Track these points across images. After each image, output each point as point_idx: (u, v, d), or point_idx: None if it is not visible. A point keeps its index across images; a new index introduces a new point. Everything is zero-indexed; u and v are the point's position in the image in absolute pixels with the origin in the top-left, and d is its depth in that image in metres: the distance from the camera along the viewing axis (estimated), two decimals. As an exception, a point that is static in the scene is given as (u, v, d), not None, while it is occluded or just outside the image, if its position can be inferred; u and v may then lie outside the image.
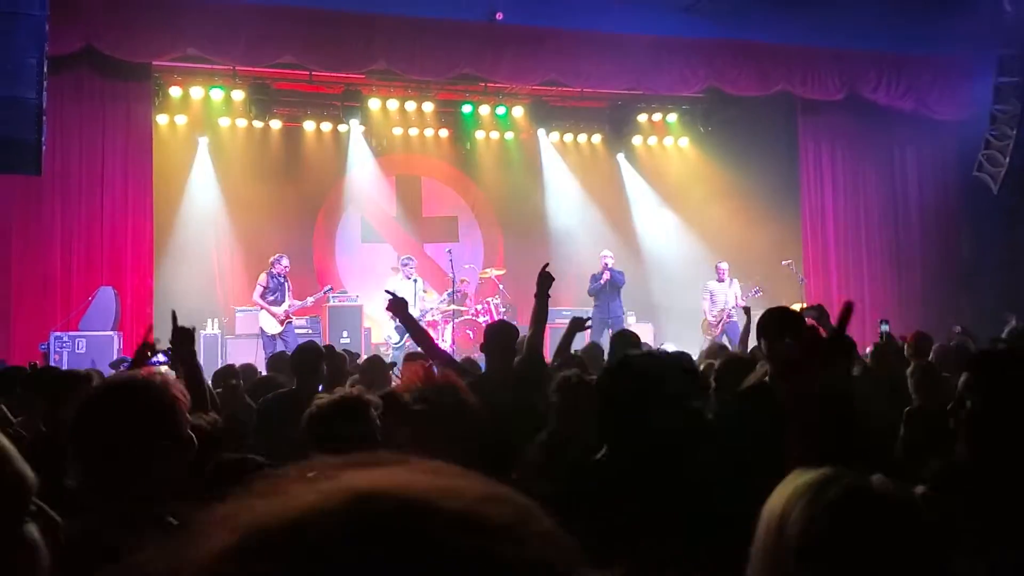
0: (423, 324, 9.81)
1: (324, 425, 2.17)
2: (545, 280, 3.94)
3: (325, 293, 9.89)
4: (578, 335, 4.69)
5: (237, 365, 6.29)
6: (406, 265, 9.95)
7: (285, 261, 9.49)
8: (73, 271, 9.10)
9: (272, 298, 9.33)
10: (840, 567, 0.97)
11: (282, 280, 9.40)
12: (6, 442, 0.93)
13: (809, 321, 4.02)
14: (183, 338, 2.90)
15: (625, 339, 4.72)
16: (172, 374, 3.23)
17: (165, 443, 1.49)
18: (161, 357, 3.95)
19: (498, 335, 3.91)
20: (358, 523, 0.41)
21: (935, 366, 4.34)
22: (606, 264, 10.02)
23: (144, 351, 3.12)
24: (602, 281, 10.03)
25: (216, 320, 10.13)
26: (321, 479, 0.44)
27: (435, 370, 2.68)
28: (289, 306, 9.35)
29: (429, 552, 0.40)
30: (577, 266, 10.77)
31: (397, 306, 4.11)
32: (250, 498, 0.43)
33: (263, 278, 9.37)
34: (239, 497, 0.44)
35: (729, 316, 9.94)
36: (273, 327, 9.23)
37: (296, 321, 9.56)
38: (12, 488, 0.90)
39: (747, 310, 6.96)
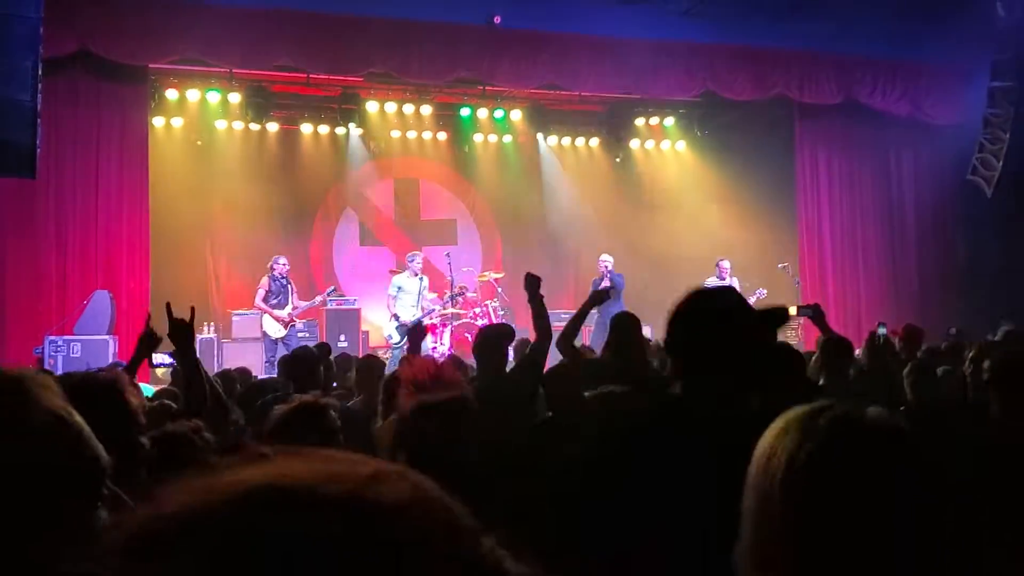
0: (425, 325, 9.89)
1: (286, 432, 2.18)
2: (532, 283, 3.81)
3: (329, 294, 9.84)
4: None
5: (233, 369, 6.27)
6: (412, 261, 9.86)
7: (283, 261, 9.42)
8: (68, 274, 9.04)
9: (275, 301, 9.27)
10: (825, 496, 0.91)
11: (284, 283, 9.34)
12: (82, 423, 0.89)
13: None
14: (180, 332, 2.83)
15: (625, 322, 4.52)
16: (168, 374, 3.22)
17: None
18: (167, 359, 3.93)
19: (492, 338, 3.87)
20: (238, 518, 0.41)
21: (931, 364, 4.36)
22: (606, 268, 9.99)
23: (146, 342, 3.05)
24: (602, 287, 10.02)
25: (212, 324, 10.09)
26: (210, 478, 0.44)
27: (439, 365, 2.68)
28: (293, 309, 9.30)
29: (307, 539, 0.40)
30: (575, 269, 10.77)
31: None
32: (140, 502, 0.44)
33: (264, 281, 9.31)
34: (132, 502, 0.45)
35: None
36: (276, 331, 9.17)
37: (296, 324, 9.52)
38: (88, 471, 0.88)
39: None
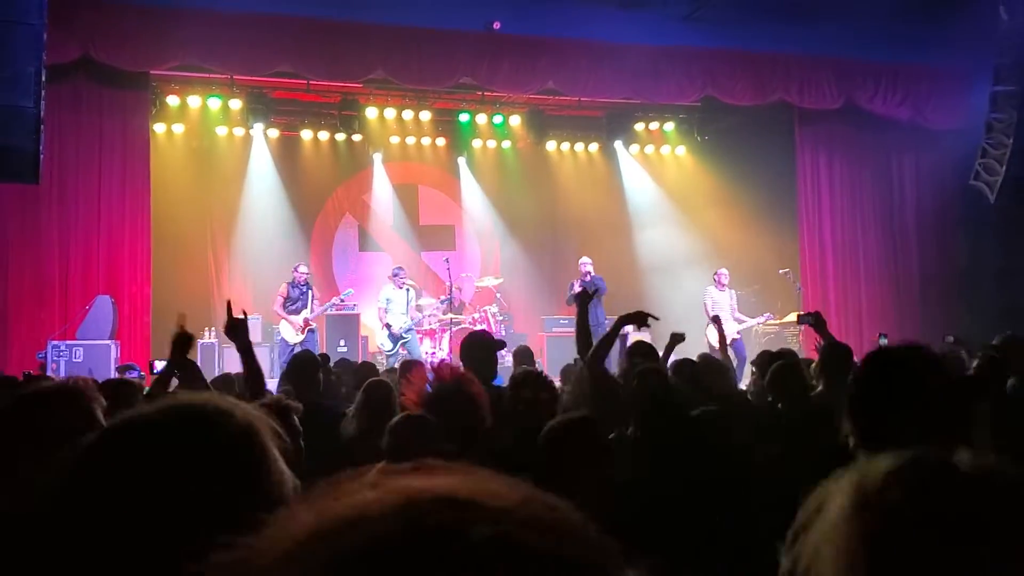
0: (417, 333, 9.94)
1: None
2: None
3: (343, 299, 9.93)
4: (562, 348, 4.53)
5: (233, 374, 6.29)
6: (397, 275, 9.95)
7: (303, 268, 9.64)
8: (70, 280, 9.10)
9: (293, 307, 9.43)
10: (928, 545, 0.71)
11: (304, 289, 9.49)
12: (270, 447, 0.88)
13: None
14: (239, 327, 3.10)
15: (640, 351, 4.39)
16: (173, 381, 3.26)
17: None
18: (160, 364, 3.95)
19: (476, 347, 3.83)
20: (408, 519, 0.44)
21: None
22: (587, 272, 9.92)
23: (182, 341, 3.14)
24: (576, 290, 9.94)
25: (214, 329, 10.13)
26: (378, 484, 0.47)
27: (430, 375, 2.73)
28: (310, 313, 9.41)
29: (470, 545, 0.43)
30: (575, 275, 10.76)
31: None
32: (313, 500, 0.47)
33: (283, 288, 9.51)
34: (305, 500, 0.48)
35: (737, 333, 9.84)
36: (293, 336, 9.30)
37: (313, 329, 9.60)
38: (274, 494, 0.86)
39: (716, 319, 6.82)
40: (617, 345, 7.38)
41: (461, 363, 3.68)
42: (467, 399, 2.69)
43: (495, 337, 4.61)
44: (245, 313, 3.34)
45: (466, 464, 0.51)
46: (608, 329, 3.79)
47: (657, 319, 3.94)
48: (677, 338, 4.46)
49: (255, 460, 0.84)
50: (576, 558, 0.45)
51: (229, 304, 3.20)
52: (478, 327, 10.04)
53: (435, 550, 0.42)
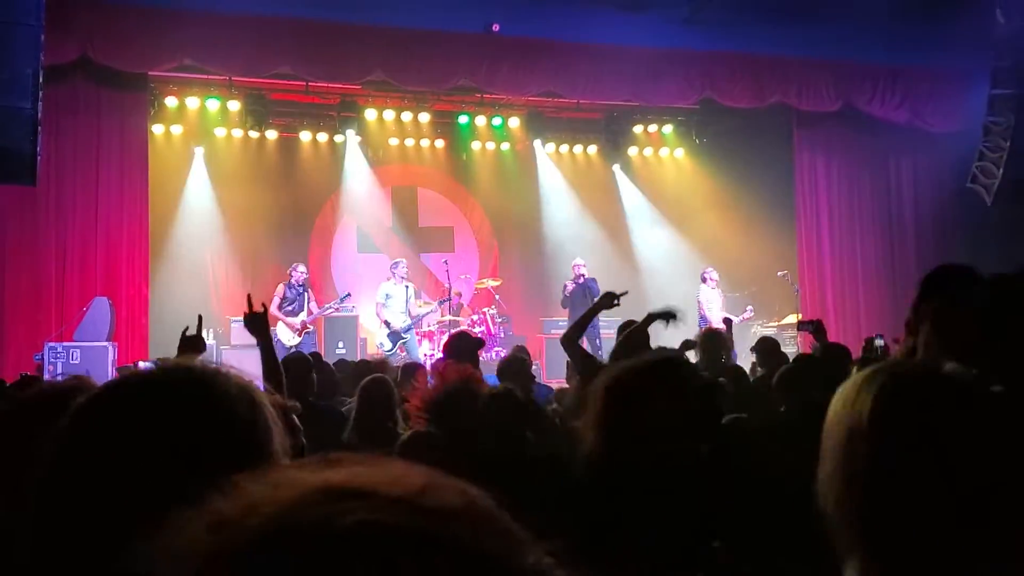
0: (416, 333, 9.93)
1: None
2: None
3: (342, 301, 9.89)
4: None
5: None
6: (396, 268, 9.93)
7: (302, 268, 9.56)
8: (68, 281, 9.07)
9: (290, 308, 9.36)
10: (911, 440, 0.95)
11: (301, 290, 9.43)
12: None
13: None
14: (258, 321, 3.15)
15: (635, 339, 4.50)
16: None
17: None
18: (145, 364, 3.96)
19: (461, 345, 3.89)
20: (308, 512, 0.43)
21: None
22: (582, 274, 9.94)
23: (191, 343, 3.17)
24: (567, 293, 10.01)
25: (211, 330, 10.09)
26: (276, 480, 0.47)
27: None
28: (308, 315, 9.36)
29: (367, 540, 0.42)
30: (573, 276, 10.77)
31: (254, 323, 3.24)
32: (219, 499, 0.46)
33: (280, 289, 9.43)
34: (212, 497, 0.46)
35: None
36: (290, 338, 9.25)
37: (310, 331, 9.56)
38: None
39: (728, 322, 6.91)
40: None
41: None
42: (474, 399, 2.67)
43: (478, 337, 4.60)
44: (265, 307, 3.32)
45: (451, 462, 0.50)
46: (598, 328, 4.03)
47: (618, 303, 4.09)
48: (609, 298, 4.42)
49: (250, 418, 0.84)
50: (484, 547, 0.44)
51: (249, 298, 3.21)
52: (477, 329, 10.03)
53: (299, 542, 0.42)
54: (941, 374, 1.01)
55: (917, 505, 0.93)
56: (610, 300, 3.93)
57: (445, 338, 9.90)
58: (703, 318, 10.03)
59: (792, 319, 10.64)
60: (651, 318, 3.86)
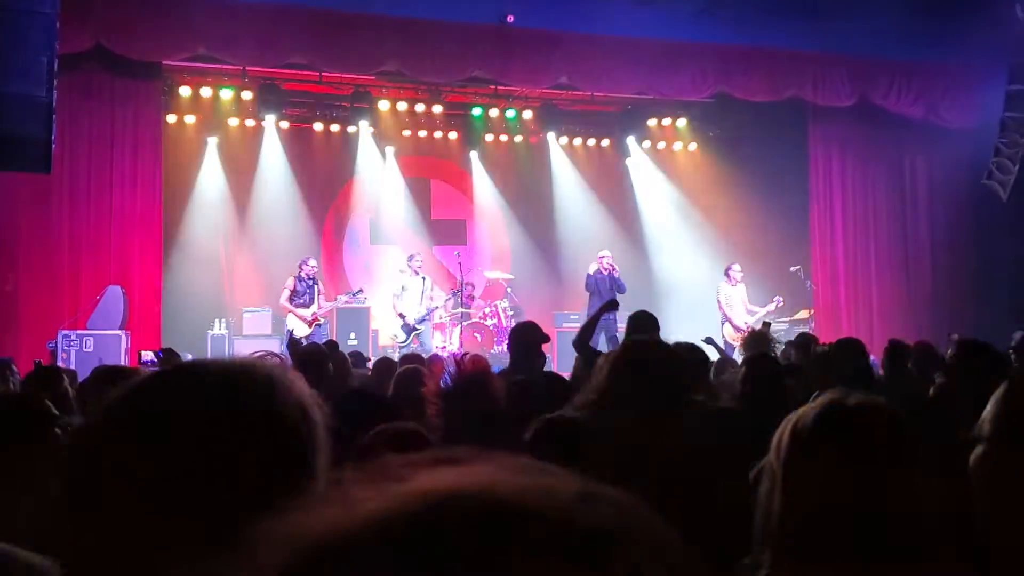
0: (429, 325, 9.93)
1: None
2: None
3: (354, 295, 9.90)
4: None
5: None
6: (412, 260, 9.93)
7: (312, 262, 9.56)
8: (81, 270, 9.10)
9: (300, 301, 9.36)
10: (813, 461, 1.08)
11: (311, 283, 9.44)
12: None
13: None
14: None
15: (643, 320, 4.54)
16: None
17: None
18: (152, 356, 3.97)
19: (522, 334, 3.93)
20: (435, 531, 0.36)
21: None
22: (611, 265, 9.80)
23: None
24: (594, 276, 9.74)
25: (224, 320, 10.13)
26: (388, 482, 0.39)
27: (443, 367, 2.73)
28: (318, 308, 9.38)
29: (528, 562, 0.35)
30: (586, 269, 10.73)
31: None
32: (304, 509, 0.38)
33: (290, 282, 9.42)
34: (295, 508, 0.39)
35: (747, 326, 9.79)
36: (301, 330, 9.28)
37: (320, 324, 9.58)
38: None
39: (767, 326, 6.84)
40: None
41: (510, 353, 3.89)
42: (485, 390, 2.66)
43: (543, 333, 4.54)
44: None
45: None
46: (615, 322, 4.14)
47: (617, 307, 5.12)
48: (610, 305, 4.89)
49: (309, 434, 0.81)
50: (651, 570, 0.38)
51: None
52: (488, 322, 10.03)
53: (480, 572, 0.35)
54: (870, 407, 1.14)
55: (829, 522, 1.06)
56: (612, 305, 4.68)
57: (458, 330, 9.97)
58: (724, 315, 9.91)
59: (804, 314, 10.59)
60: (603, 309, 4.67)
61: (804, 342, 5.36)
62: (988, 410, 1.20)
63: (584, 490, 0.40)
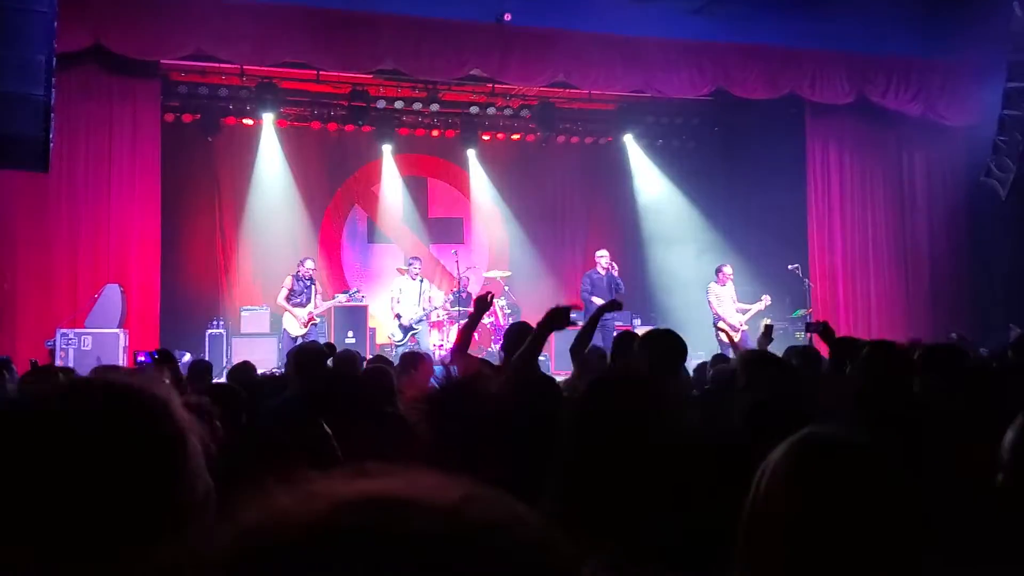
0: (427, 324, 9.95)
1: None
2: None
3: (351, 295, 9.93)
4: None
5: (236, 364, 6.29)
6: (411, 265, 10.00)
7: (310, 263, 9.63)
8: (79, 268, 9.10)
9: (297, 300, 9.43)
10: (801, 501, 1.07)
11: (308, 283, 9.50)
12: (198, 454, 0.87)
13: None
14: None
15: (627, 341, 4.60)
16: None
17: None
18: (144, 358, 3.98)
19: (517, 335, 3.91)
20: (340, 527, 0.42)
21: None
22: (611, 265, 9.83)
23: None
24: (593, 280, 9.81)
25: (222, 319, 10.15)
26: (309, 489, 0.45)
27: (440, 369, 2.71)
28: (314, 308, 9.42)
29: (410, 550, 0.41)
30: (583, 268, 10.75)
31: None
32: (242, 509, 0.45)
33: (288, 281, 9.50)
34: (236, 508, 0.45)
35: (743, 324, 9.82)
36: (296, 329, 9.32)
37: (316, 323, 9.61)
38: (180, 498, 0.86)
39: (770, 328, 6.84)
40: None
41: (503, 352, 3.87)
42: (476, 397, 2.61)
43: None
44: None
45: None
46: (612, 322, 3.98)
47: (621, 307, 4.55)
48: (612, 305, 4.58)
49: (174, 462, 0.81)
50: (527, 562, 0.43)
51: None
52: (486, 320, 10.02)
53: (335, 551, 0.40)
54: (847, 446, 1.11)
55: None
56: (614, 306, 4.35)
57: (455, 329, 9.97)
58: (715, 315, 9.94)
59: (802, 312, 10.60)
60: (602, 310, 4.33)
61: (807, 354, 5.21)
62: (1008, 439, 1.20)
63: (472, 492, 0.46)
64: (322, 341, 8.18)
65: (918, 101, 10.89)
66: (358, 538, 0.41)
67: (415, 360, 4.92)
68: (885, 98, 10.83)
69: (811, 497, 1.06)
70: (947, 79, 10.86)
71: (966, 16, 9.50)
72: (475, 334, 10.08)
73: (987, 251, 11.28)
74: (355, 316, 10.23)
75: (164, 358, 3.53)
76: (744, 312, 9.94)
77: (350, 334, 9.92)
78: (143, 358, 3.96)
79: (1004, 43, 9.72)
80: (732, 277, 10.19)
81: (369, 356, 7.30)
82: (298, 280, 9.47)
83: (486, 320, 10.17)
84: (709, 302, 10.03)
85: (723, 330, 8.56)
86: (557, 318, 3.09)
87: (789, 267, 10.55)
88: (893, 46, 10.44)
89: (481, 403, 2.60)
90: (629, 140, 12.10)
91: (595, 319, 4.12)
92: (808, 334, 7.77)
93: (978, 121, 10.39)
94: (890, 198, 11.65)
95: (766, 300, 10.01)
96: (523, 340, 3.88)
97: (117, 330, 8.48)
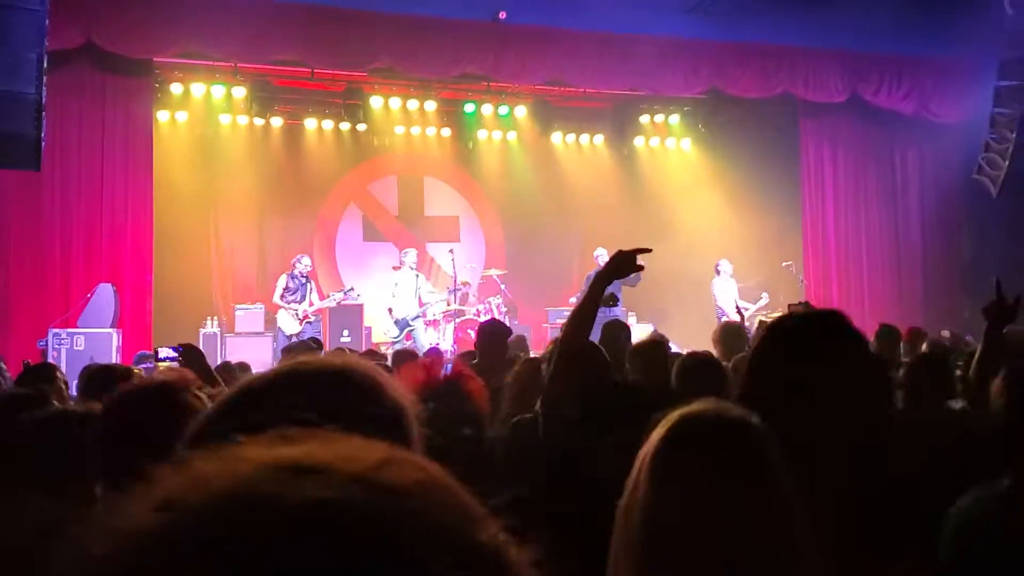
0: (422, 321, 9.93)
1: None
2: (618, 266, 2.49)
3: (346, 293, 9.89)
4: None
5: (234, 362, 6.27)
6: (406, 256, 9.93)
7: (306, 261, 9.58)
8: (72, 267, 9.05)
9: (292, 298, 9.39)
10: (666, 478, 1.04)
11: (304, 281, 9.46)
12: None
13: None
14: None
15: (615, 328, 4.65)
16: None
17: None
18: (171, 352, 3.90)
19: (491, 335, 3.92)
20: (258, 487, 0.42)
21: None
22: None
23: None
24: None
25: (215, 318, 10.10)
26: (227, 456, 0.45)
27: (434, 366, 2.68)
28: (310, 306, 9.39)
29: (320, 515, 0.41)
30: (579, 266, 10.76)
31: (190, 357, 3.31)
32: (164, 474, 0.45)
33: (283, 279, 9.46)
34: (156, 474, 0.45)
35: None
36: (291, 327, 9.29)
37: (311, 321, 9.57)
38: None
39: (740, 312, 6.93)
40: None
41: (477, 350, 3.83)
42: (461, 398, 2.56)
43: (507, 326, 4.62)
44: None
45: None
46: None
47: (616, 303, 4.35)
48: (609, 300, 4.63)
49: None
50: (440, 523, 0.43)
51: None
52: (483, 318, 10.01)
53: (247, 518, 0.40)
54: (723, 419, 1.09)
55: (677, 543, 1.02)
56: (612, 300, 4.27)
57: (451, 327, 9.97)
58: (719, 309, 10.04)
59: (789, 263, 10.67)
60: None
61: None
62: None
63: (390, 456, 0.46)
64: (300, 340, 8.20)
65: (910, 99, 10.95)
66: (273, 503, 0.41)
67: (403, 358, 4.94)
68: (878, 96, 10.89)
69: (670, 473, 1.04)
70: (939, 77, 10.92)
71: (958, 15, 9.55)
72: (470, 331, 10.07)
73: (979, 248, 11.34)
74: (350, 315, 10.20)
75: (189, 352, 3.36)
76: (745, 310, 9.97)
77: (345, 332, 9.89)
78: (167, 354, 3.88)
79: (995, 42, 9.77)
80: (732, 272, 10.25)
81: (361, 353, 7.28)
82: (293, 278, 9.44)
83: (482, 319, 10.15)
84: (714, 296, 10.11)
85: (738, 310, 8.69)
86: (624, 264, 2.53)
87: (783, 264, 10.59)
88: (886, 45, 10.49)
89: (468, 405, 2.53)
90: (624, 138, 12.11)
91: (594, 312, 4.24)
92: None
93: (970, 119, 10.44)
94: (883, 195, 11.71)
95: (765, 298, 10.08)
96: (496, 340, 3.91)
97: (110, 330, 8.43)
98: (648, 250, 2.54)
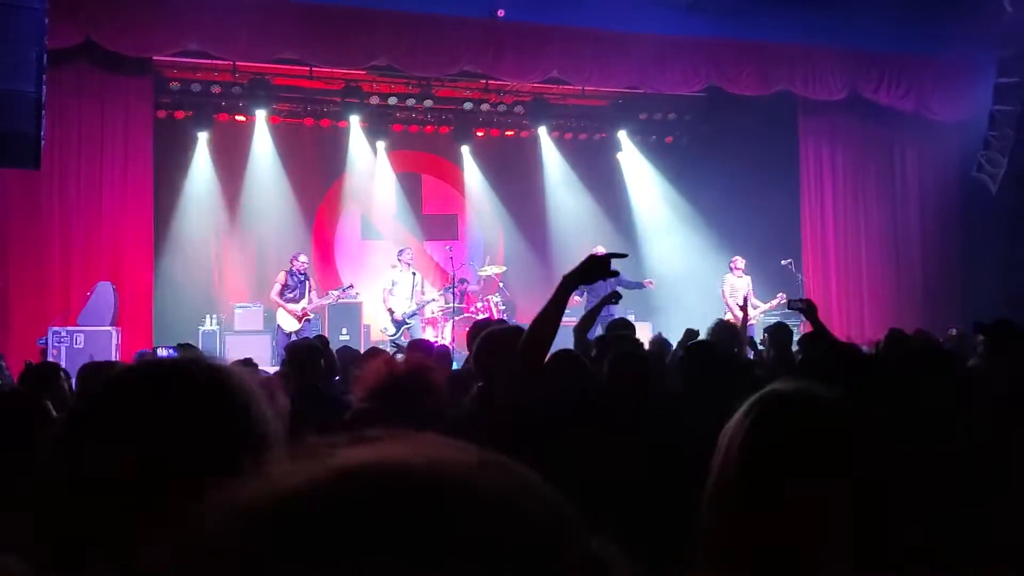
0: (420, 319, 9.94)
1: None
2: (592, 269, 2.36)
3: (345, 291, 9.89)
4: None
5: (237, 360, 6.28)
6: (402, 254, 9.94)
7: (303, 258, 9.59)
8: (72, 266, 9.07)
9: (290, 295, 9.38)
10: (763, 457, 1.04)
11: (302, 278, 9.45)
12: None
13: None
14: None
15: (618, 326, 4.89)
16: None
17: None
18: (169, 352, 3.91)
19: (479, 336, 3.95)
20: (341, 499, 0.40)
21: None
22: None
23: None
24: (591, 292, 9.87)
25: (215, 316, 10.12)
26: (309, 459, 0.44)
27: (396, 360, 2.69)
28: (308, 303, 9.38)
29: (413, 525, 0.39)
30: (577, 264, 10.73)
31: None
32: (238, 482, 0.43)
33: (282, 276, 9.44)
34: (230, 481, 0.44)
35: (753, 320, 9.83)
36: (290, 324, 9.28)
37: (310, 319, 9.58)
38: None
39: (743, 308, 6.94)
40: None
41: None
42: (421, 389, 2.56)
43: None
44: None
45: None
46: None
47: (618, 300, 4.95)
48: (612, 297, 4.90)
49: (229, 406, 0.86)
50: (539, 532, 0.42)
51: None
52: (481, 316, 10.02)
53: (372, 532, 0.39)
54: (811, 401, 1.08)
55: (777, 523, 1.01)
56: (613, 297, 4.73)
57: (450, 325, 9.98)
58: (728, 307, 9.96)
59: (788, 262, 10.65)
60: (604, 301, 4.64)
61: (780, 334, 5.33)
62: None
63: (484, 460, 0.44)
64: (301, 338, 8.20)
65: (910, 97, 10.94)
66: (359, 508, 0.40)
67: (416, 349, 4.99)
68: (877, 94, 10.88)
69: (763, 448, 1.04)
70: (938, 75, 10.91)
71: (957, 12, 9.55)
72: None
73: (978, 245, 11.34)
74: (349, 313, 10.22)
75: (186, 352, 3.39)
76: (755, 308, 9.94)
77: (344, 331, 9.91)
78: (166, 352, 3.90)
79: (994, 39, 9.78)
80: (745, 267, 10.15)
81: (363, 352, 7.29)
82: (291, 275, 9.43)
83: (480, 317, 10.16)
84: (723, 291, 10.03)
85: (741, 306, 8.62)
86: (595, 269, 2.33)
87: (782, 262, 10.59)
88: (885, 43, 10.49)
89: (427, 399, 2.52)
90: (622, 136, 12.11)
91: (598, 307, 4.55)
92: (791, 311, 7.79)
93: (969, 117, 10.45)
94: (882, 193, 11.71)
95: (780, 298, 10.01)
96: (486, 340, 3.91)
97: (110, 328, 8.45)
98: (623, 255, 2.50)
